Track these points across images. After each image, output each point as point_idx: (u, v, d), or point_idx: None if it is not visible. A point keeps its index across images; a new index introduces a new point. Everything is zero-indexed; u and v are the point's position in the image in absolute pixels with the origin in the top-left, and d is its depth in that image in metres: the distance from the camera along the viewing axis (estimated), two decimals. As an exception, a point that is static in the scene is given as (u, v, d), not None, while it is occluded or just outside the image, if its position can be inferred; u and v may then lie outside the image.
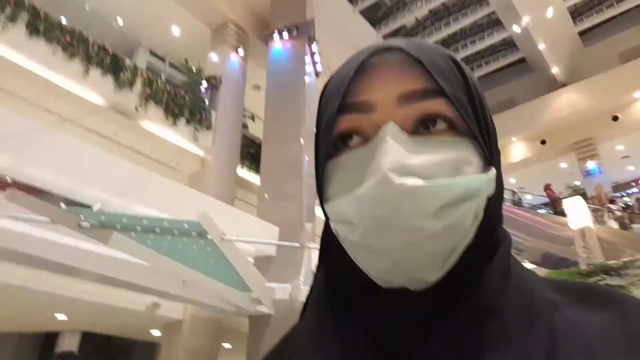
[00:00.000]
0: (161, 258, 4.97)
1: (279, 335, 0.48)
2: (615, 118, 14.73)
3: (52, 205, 4.17)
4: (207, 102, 9.38)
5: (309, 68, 10.13)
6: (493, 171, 0.40)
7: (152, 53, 11.39)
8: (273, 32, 10.27)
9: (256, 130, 11.16)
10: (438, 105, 0.39)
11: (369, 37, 14.14)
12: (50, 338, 7.99)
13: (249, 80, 10.98)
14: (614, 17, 15.95)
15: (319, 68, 10.53)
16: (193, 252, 5.11)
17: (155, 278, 6.14)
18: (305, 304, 0.47)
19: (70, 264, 5.39)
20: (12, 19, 6.63)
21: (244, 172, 9.86)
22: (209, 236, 4.65)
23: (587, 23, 16.10)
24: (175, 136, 8.62)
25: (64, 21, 7.56)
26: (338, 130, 0.41)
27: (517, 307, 0.38)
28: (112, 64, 7.74)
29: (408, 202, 0.35)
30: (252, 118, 10.77)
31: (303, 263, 7.09)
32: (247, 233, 7.29)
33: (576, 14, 16.01)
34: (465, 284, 0.38)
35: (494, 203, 0.41)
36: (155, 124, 8.38)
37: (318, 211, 10.25)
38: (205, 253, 5.09)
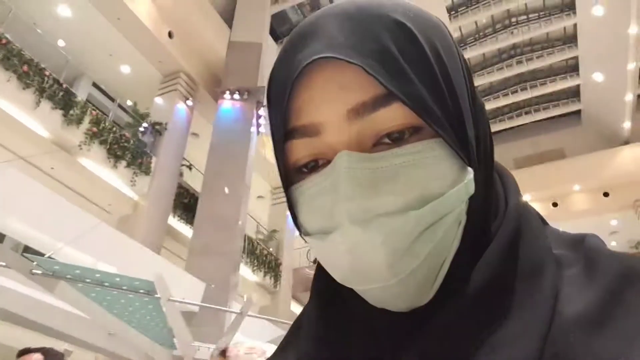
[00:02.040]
0: (100, 310, 5.01)
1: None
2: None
3: (11, 251, 4.17)
4: (148, 147, 9.50)
5: (253, 129, 10.73)
6: (470, 173, 0.36)
7: (95, 86, 11.29)
8: (225, 91, 10.79)
9: (190, 179, 11.33)
10: (394, 112, 0.34)
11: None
12: None
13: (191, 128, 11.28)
14: (512, 128, 18.61)
15: (262, 129, 11.18)
16: (133, 308, 5.22)
17: (77, 327, 6.05)
18: (312, 291, 0.45)
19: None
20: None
21: (174, 222, 9.93)
22: (157, 295, 4.86)
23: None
24: (113, 177, 8.60)
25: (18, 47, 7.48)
26: (293, 157, 0.38)
27: (523, 278, 0.35)
28: (64, 98, 7.71)
29: (377, 249, 0.33)
30: (190, 167, 10.96)
31: (227, 327, 7.33)
32: (173, 285, 7.39)
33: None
34: (462, 280, 0.36)
35: (478, 197, 0.37)
36: (95, 163, 8.32)
37: (242, 270, 10.51)
38: (144, 310, 5.23)
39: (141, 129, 9.98)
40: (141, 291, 4.86)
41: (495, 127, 18.51)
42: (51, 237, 6.44)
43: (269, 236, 12.97)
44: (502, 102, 17.52)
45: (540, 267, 0.36)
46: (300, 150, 0.37)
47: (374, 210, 0.33)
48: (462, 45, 15.65)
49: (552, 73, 16.87)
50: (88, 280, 4.58)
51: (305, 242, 0.39)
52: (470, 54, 15.92)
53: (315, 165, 0.37)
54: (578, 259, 0.38)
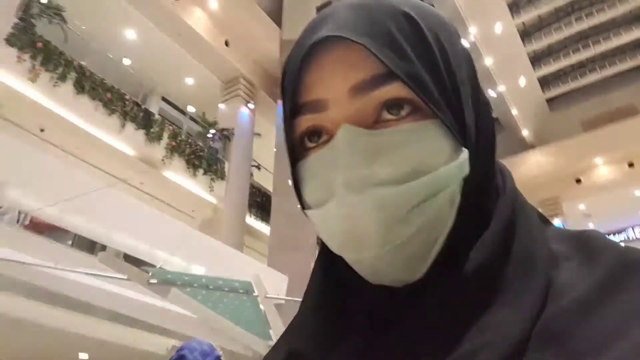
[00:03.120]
0: (206, 310, 5.60)
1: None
2: (578, 181, 16.30)
3: (129, 264, 4.80)
4: (220, 153, 10.11)
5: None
6: (465, 153, 0.37)
7: (165, 99, 12.06)
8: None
9: (259, 178, 11.91)
10: (395, 90, 0.36)
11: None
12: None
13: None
14: (578, 88, 17.80)
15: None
16: (234, 306, 5.78)
17: (181, 323, 6.73)
18: (306, 290, 0.46)
19: (104, 306, 5.98)
20: (62, 78, 7.28)
21: (251, 221, 10.54)
22: (255, 294, 5.36)
23: (554, 92, 17.88)
24: (193, 185, 9.29)
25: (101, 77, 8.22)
26: (300, 132, 0.39)
27: (515, 266, 0.36)
28: (144, 119, 8.42)
29: (371, 216, 0.35)
30: (258, 167, 11.53)
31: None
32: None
33: (544, 82, 17.75)
34: (455, 262, 0.36)
35: (474, 178, 0.38)
36: (176, 174, 9.03)
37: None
38: (243, 307, 5.77)
39: (209, 135, 10.64)
40: (240, 291, 5.38)
41: (559, 90, 17.79)
42: (148, 245, 7.13)
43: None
44: (564, 62, 16.77)
45: (533, 254, 0.37)
46: (308, 125, 0.39)
47: (369, 180, 0.35)
48: (516, 9, 15.14)
49: (615, 26, 15.95)
50: (195, 285, 5.16)
51: (307, 217, 0.41)
52: (525, 17, 15.36)
53: (319, 142, 0.39)
54: (578, 252, 0.38)
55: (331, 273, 0.43)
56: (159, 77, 11.68)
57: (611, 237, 0.39)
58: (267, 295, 5.44)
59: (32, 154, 6.19)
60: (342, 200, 0.35)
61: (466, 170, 0.38)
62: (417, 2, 0.40)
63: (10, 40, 6.67)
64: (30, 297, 6.20)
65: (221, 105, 11.50)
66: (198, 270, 7.51)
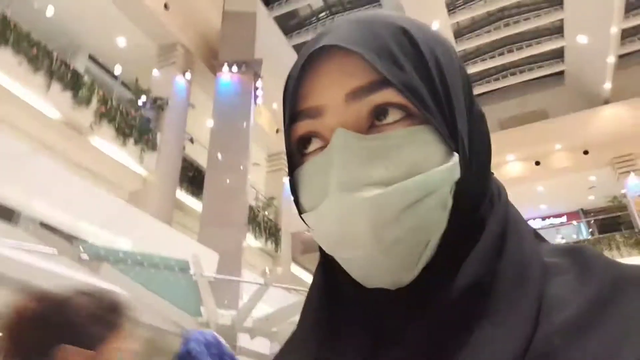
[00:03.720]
0: (139, 287, 5.49)
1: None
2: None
3: (60, 239, 4.57)
4: (152, 123, 9.72)
5: (252, 100, 10.97)
6: (455, 158, 0.38)
7: (92, 59, 11.26)
8: (223, 64, 10.90)
9: (192, 152, 11.60)
10: (388, 96, 0.37)
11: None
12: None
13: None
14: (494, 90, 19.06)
15: (259, 101, 11.43)
16: (168, 284, 5.71)
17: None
18: (307, 299, 0.46)
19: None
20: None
21: (181, 195, 10.29)
22: (191, 272, 5.35)
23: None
24: (123, 155, 8.87)
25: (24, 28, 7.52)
26: (295, 138, 0.41)
27: (508, 280, 0.37)
28: (72, 80, 7.84)
29: (363, 215, 0.36)
30: (192, 141, 11.21)
31: (243, 293, 7.91)
32: (188, 256, 7.90)
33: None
34: (448, 269, 0.37)
35: (467, 183, 0.39)
36: (105, 142, 8.56)
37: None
38: (178, 284, 5.74)
39: (140, 103, 10.14)
40: (176, 269, 5.34)
41: (482, 89, 18.95)
42: (72, 215, 6.77)
43: (267, 203, 13.46)
44: (490, 64, 17.87)
45: (526, 268, 0.38)
46: (305, 128, 0.40)
47: (362, 180, 0.36)
48: (452, 9, 15.80)
49: (537, 35, 17.19)
50: (129, 262, 5.02)
51: (305, 223, 0.41)
52: (460, 17, 16.10)
53: (315, 149, 0.40)
54: (573, 266, 0.38)
55: (331, 281, 0.43)
56: (87, 33, 10.85)
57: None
58: (203, 274, 5.44)
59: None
60: (335, 199, 0.36)
61: (457, 174, 0.38)
62: (415, 21, 0.42)
63: None
64: None
65: (155, 72, 10.98)
66: (125, 243, 7.27)
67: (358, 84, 0.38)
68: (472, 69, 17.97)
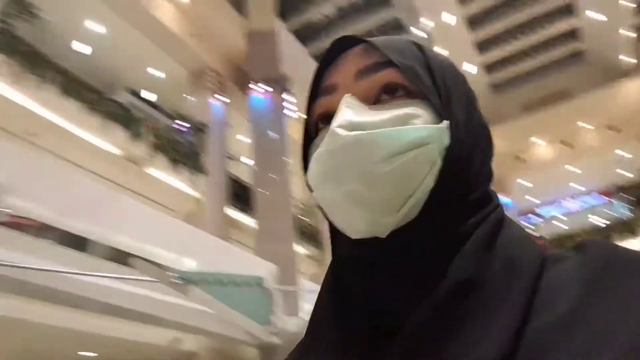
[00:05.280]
0: (219, 304, 6.01)
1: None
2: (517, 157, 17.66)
3: (153, 266, 5.11)
4: (196, 147, 10.29)
5: (284, 114, 11.44)
6: (445, 123, 0.42)
7: (133, 93, 11.90)
8: (252, 83, 11.38)
9: (235, 169, 12.15)
10: (390, 74, 0.44)
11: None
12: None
13: (223, 122, 11.96)
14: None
15: (291, 114, 11.89)
16: (244, 298, 6.24)
17: (180, 314, 7.09)
18: (318, 298, 0.49)
19: (105, 302, 6.24)
20: (48, 80, 7.19)
21: (231, 212, 10.84)
22: (265, 286, 5.86)
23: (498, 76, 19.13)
24: (175, 180, 9.47)
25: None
26: (314, 115, 0.47)
27: (500, 274, 0.38)
28: (125, 118, 8.46)
29: (353, 151, 0.39)
30: (231, 158, 11.76)
31: (300, 300, 8.41)
32: (249, 270, 8.41)
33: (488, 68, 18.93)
34: (432, 230, 0.40)
35: (457, 153, 0.42)
36: (157, 170, 9.17)
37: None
38: (252, 298, 6.26)
39: (175, 126, 10.71)
40: (252, 284, 5.86)
41: (501, 76, 19.09)
42: (145, 242, 7.32)
43: (308, 210, 13.94)
44: (506, 50, 18.04)
45: (519, 264, 0.39)
46: (322, 106, 0.47)
47: (357, 125, 0.40)
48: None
49: (550, 16, 17.21)
50: (214, 283, 5.53)
51: (312, 193, 0.45)
52: (472, 7, 16.33)
53: (325, 122, 0.46)
54: (576, 256, 0.40)
55: (338, 286, 0.45)
56: (124, 67, 11.46)
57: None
58: (275, 287, 5.96)
59: (25, 156, 6.20)
60: (332, 135, 0.40)
61: (446, 140, 0.42)
62: (431, 48, 0.48)
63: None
64: (25, 295, 6.27)
65: (189, 98, 11.54)
66: (190, 263, 7.81)
67: (365, 64, 0.45)
68: (488, 58, 18.16)
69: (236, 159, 12.04)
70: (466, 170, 0.44)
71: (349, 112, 0.41)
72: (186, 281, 5.32)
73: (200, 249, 8.12)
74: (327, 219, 0.45)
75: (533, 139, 17.85)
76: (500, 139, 17.41)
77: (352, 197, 0.40)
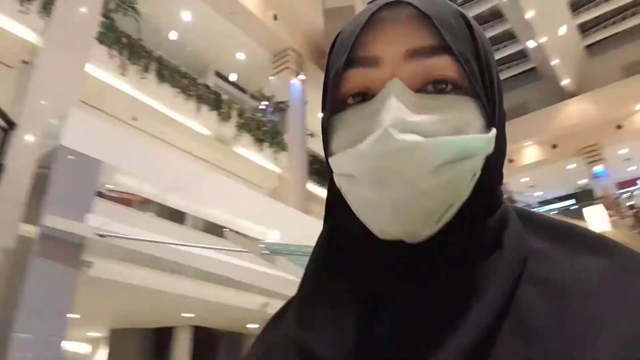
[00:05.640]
0: (301, 271, 6.46)
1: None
2: (619, 127, 16.35)
3: (246, 239, 5.63)
4: (277, 125, 10.79)
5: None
6: (493, 131, 0.40)
7: (219, 75, 12.65)
8: (330, 60, 11.59)
9: (311, 145, 12.58)
10: (444, 63, 0.39)
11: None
12: (162, 331, 9.45)
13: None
14: (616, 33, 17.49)
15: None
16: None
17: (270, 282, 7.68)
18: (310, 259, 0.48)
19: (208, 270, 6.95)
20: (146, 69, 7.96)
21: (311, 187, 11.33)
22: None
23: (594, 37, 17.64)
24: (260, 157, 10.08)
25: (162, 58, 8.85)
26: (346, 86, 0.41)
27: (499, 259, 0.39)
28: (215, 100, 9.11)
29: (407, 157, 0.36)
30: (311, 135, 12.17)
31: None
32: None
33: (584, 29, 17.48)
34: (460, 238, 0.39)
35: (494, 162, 0.41)
36: (244, 149, 9.81)
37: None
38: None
39: (261, 107, 11.26)
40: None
41: (598, 36, 17.54)
42: (237, 216, 7.96)
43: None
44: (605, 8, 16.49)
45: (516, 250, 0.40)
46: (356, 79, 0.41)
47: (410, 125, 0.37)
48: None
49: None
50: (299, 254, 5.97)
51: (329, 167, 0.43)
52: None
53: (361, 100, 0.41)
54: (563, 242, 0.41)
55: (331, 248, 0.46)
56: (211, 52, 12.20)
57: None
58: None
59: (131, 139, 7.00)
60: (383, 136, 0.36)
61: (491, 148, 0.40)
62: (468, 13, 0.44)
63: (99, 39, 7.32)
64: (139, 264, 7.14)
65: (272, 78, 12.02)
66: (274, 235, 8.36)
67: (420, 44, 0.39)
68: (586, 17, 16.72)
69: (316, 136, 12.43)
70: (498, 179, 0.44)
71: (400, 107, 0.38)
72: (272, 251, 5.78)
73: (283, 222, 8.65)
74: (346, 203, 0.43)
75: (638, 105, 16.22)
76: (600, 106, 16.20)
77: (394, 205, 0.37)
